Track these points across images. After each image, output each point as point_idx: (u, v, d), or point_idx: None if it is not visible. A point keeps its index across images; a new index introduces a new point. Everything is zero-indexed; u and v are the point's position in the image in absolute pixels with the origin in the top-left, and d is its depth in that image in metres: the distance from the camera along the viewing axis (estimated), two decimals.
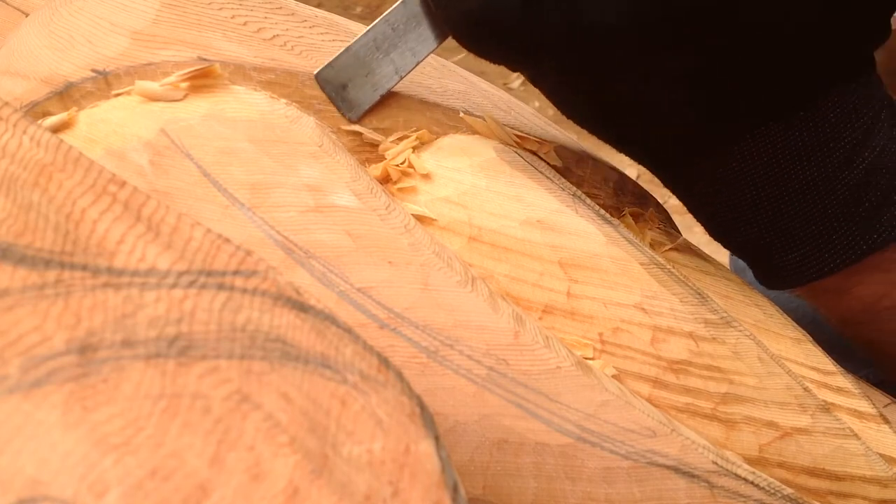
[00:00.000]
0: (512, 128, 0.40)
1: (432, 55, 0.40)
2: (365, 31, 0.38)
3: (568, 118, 0.40)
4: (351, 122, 0.38)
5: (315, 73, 0.37)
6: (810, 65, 0.37)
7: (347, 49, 0.38)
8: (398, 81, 0.39)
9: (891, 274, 0.40)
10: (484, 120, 0.39)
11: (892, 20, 0.39)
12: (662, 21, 0.35)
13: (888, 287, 0.40)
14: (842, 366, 0.40)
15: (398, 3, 0.38)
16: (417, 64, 0.39)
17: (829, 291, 0.41)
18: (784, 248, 0.39)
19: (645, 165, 0.41)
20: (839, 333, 0.43)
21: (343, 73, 0.38)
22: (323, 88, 0.38)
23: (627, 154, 0.41)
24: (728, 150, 0.38)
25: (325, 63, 0.38)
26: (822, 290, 0.41)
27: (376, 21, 0.38)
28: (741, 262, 0.43)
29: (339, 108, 0.38)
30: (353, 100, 0.38)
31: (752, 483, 0.34)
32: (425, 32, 0.38)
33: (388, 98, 0.39)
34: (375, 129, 0.38)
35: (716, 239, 0.42)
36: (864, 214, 0.38)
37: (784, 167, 0.38)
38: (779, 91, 0.37)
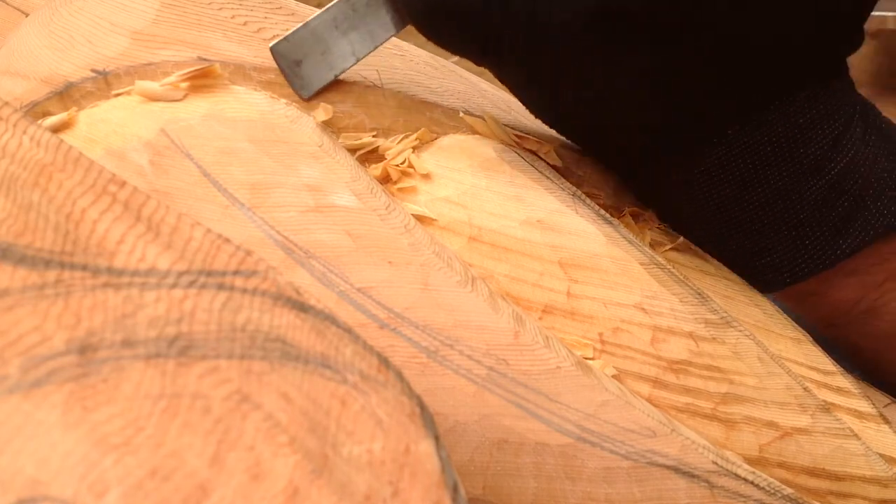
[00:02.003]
0: (512, 128, 0.40)
1: (431, 56, 0.40)
2: (325, 8, 0.38)
3: (535, 117, 0.40)
4: (304, 99, 0.37)
5: (270, 45, 0.37)
6: (775, 68, 0.36)
7: (305, 24, 0.37)
8: (354, 63, 0.38)
9: (866, 278, 0.40)
10: (484, 120, 0.39)
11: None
12: (619, 19, 0.34)
13: (864, 291, 0.40)
14: (839, 365, 0.40)
15: None
16: (375, 48, 0.38)
17: (806, 296, 0.41)
18: (757, 253, 0.39)
19: (612, 169, 0.41)
20: (821, 336, 0.43)
21: (298, 48, 0.37)
22: (277, 62, 0.37)
23: (594, 156, 0.41)
24: (694, 154, 0.38)
25: (282, 36, 0.37)
26: (800, 295, 0.41)
27: None
28: None
29: (291, 84, 0.37)
30: (306, 77, 0.37)
31: (752, 483, 0.34)
32: (385, 17, 0.38)
33: (389, 98, 0.39)
34: (375, 129, 0.38)
35: (695, 244, 0.42)
36: (836, 220, 0.38)
37: (752, 172, 0.37)
38: (741, 95, 0.36)
